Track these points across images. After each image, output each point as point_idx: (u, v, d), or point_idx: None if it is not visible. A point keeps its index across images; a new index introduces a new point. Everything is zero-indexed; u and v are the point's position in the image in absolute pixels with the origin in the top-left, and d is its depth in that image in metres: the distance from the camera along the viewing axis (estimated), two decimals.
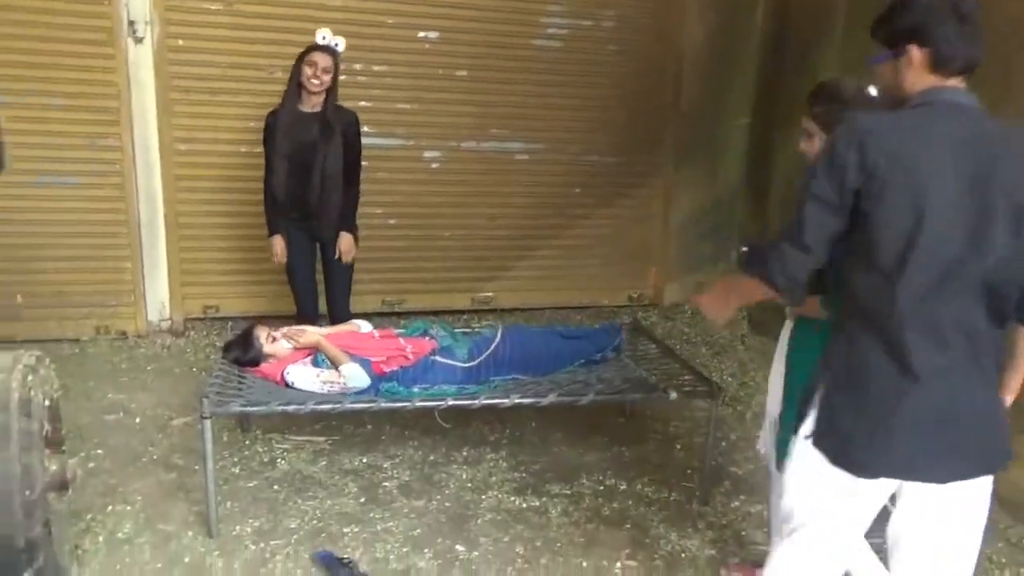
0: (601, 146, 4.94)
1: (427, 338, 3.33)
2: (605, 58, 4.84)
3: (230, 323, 4.48)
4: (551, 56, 4.74)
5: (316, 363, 3.11)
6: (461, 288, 4.95)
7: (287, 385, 3.04)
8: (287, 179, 3.43)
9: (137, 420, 3.57)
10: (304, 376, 3.04)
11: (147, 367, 4.12)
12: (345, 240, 3.64)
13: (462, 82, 4.64)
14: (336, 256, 3.64)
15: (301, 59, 3.29)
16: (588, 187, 5.01)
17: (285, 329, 3.24)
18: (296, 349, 3.18)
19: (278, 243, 3.54)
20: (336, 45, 3.33)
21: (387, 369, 3.12)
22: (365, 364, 3.08)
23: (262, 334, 3.14)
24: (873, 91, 1.85)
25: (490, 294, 4.97)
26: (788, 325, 2.17)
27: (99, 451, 3.30)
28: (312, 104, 3.37)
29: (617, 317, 4.90)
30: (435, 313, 4.89)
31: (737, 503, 3.08)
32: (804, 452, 1.65)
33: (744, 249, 1.50)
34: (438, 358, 3.16)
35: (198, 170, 4.37)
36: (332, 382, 3.00)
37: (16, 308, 4.19)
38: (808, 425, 1.65)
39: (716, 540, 2.84)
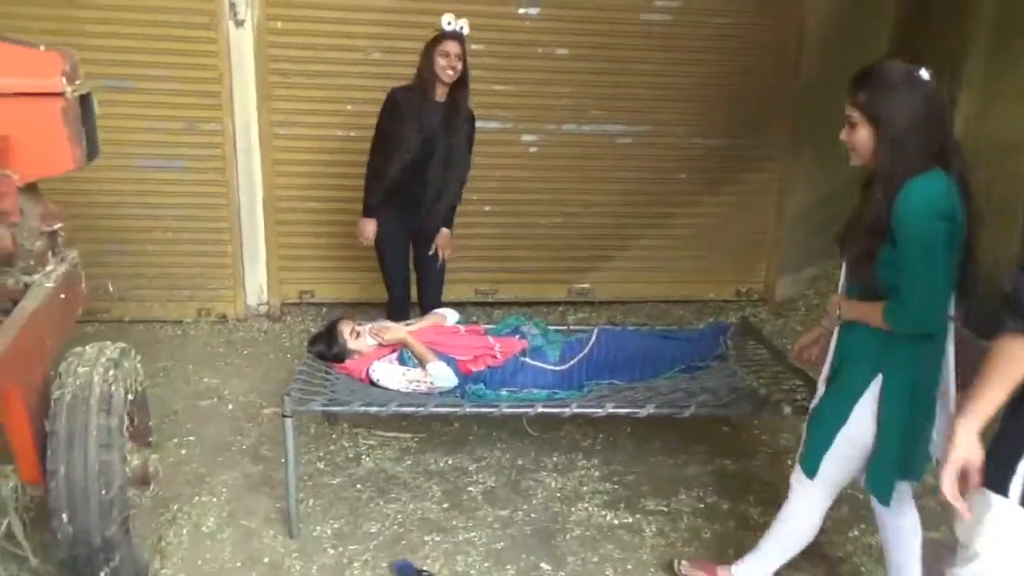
0: (710, 128, 4.64)
1: (517, 337, 3.16)
2: (717, 31, 4.52)
3: (324, 309, 4.54)
4: (659, 31, 4.46)
5: (402, 360, 3.02)
6: (557, 278, 4.78)
7: (372, 383, 2.96)
8: (403, 166, 3.30)
9: (230, 407, 3.60)
10: (389, 374, 2.96)
11: (243, 351, 4.15)
12: (444, 236, 3.55)
13: (562, 61, 4.42)
14: (432, 251, 3.53)
15: (432, 48, 3.17)
16: (695, 172, 4.72)
17: (370, 325, 3.16)
18: (381, 346, 3.07)
19: (370, 226, 3.43)
20: (461, 28, 3.20)
21: (474, 369, 2.99)
22: (451, 363, 2.97)
23: (346, 329, 3.07)
24: (925, 74, 1.76)
25: (587, 285, 4.81)
26: (833, 331, 2.06)
27: (191, 437, 3.34)
28: (440, 94, 3.27)
29: (723, 313, 4.74)
30: (529, 304, 4.75)
31: (856, 532, 2.81)
32: (1015, 518, 1.48)
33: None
34: (528, 360, 3.02)
35: (295, 154, 4.34)
36: (418, 381, 2.90)
37: (120, 290, 4.27)
38: (1019, 487, 1.47)
39: (830, 574, 2.56)
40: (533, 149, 4.54)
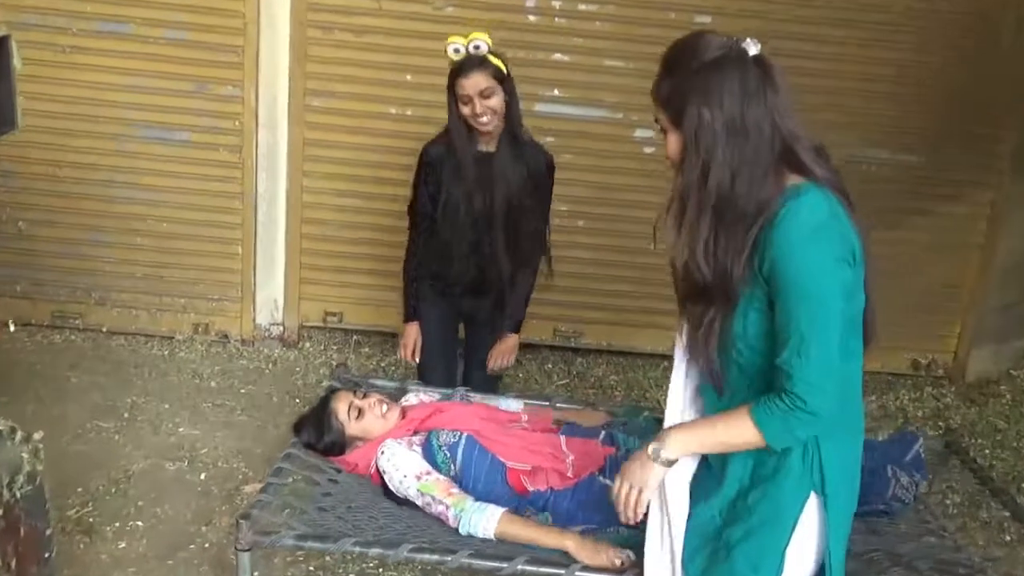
0: (893, 138, 3.96)
1: (600, 439, 2.39)
2: (908, 7, 3.80)
3: (354, 337, 4.12)
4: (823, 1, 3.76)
5: (429, 451, 2.29)
6: (664, 324, 4.01)
7: (384, 486, 2.29)
8: (448, 247, 2.82)
9: (202, 476, 3.09)
10: (402, 465, 2.24)
11: (241, 388, 3.71)
12: (508, 345, 2.97)
13: None
14: (489, 363, 2.97)
15: (451, 92, 2.69)
16: (869, 198, 3.81)
17: (376, 397, 2.44)
18: (402, 423, 2.39)
19: (411, 334, 2.90)
20: (477, 48, 2.62)
21: (531, 487, 2.23)
22: (495, 473, 2.24)
23: (342, 407, 2.38)
24: (753, 48, 1.53)
25: None
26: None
27: (138, 522, 2.81)
28: (486, 141, 2.74)
29: (892, 390, 4.13)
30: (622, 354, 4.19)
31: None
32: None
33: None
34: (610, 481, 2.17)
35: (333, 134, 3.88)
36: (433, 498, 2.17)
37: (100, 291, 3.97)
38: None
39: None
40: (649, 149, 3.95)
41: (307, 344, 4.09)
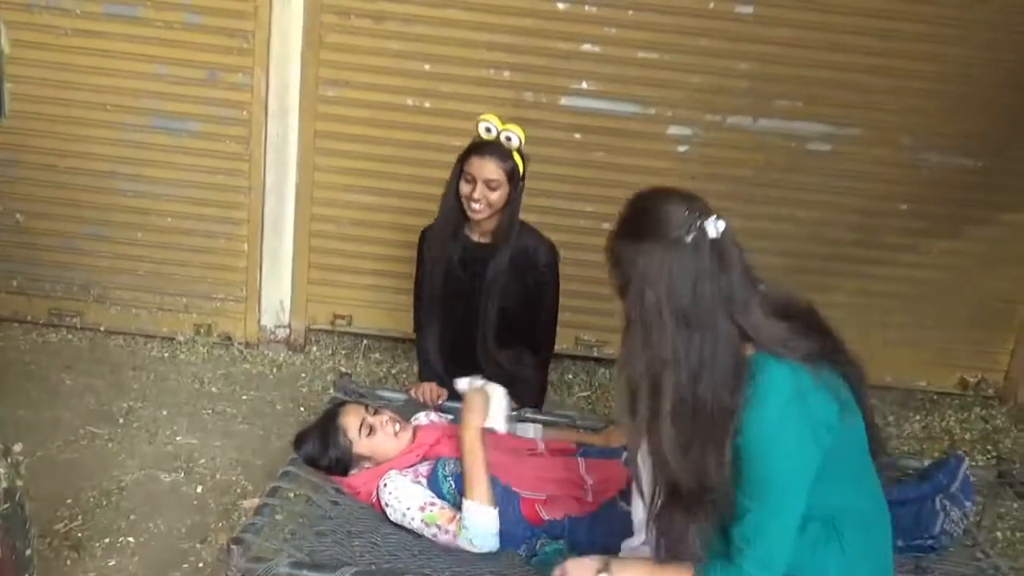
0: (954, 139, 3.81)
1: (624, 461, 2.28)
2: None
3: (363, 342, 4.05)
4: None
5: (434, 481, 2.23)
6: None
7: (384, 508, 2.23)
8: (442, 335, 2.89)
9: (199, 489, 2.99)
10: (404, 497, 2.19)
11: (243, 394, 3.63)
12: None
13: (743, 24, 3.67)
14: None
15: (461, 163, 2.72)
16: (922, 202, 3.91)
17: (387, 415, 2.39)
18: (410, 446, 2.34)
19: (429, 391, 2.82)
20: (509, 140, 2.66)
21: (547, 516, 2.17)
22: (507, 503, 2.15)
23: (352, 423, 2.31)
24: (714, 230, 1.57)
25: None
26: None
27: (129, 538, 2.70)
28: (481, 231, 2.78)
29: (937, 410, 4.04)
30: None
31: None
32: None
33: None
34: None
35: (348, 126, 3.80)
36: (439, 527, 2.13)
37: (99, 288, 3.92)
38: None
39: None
40: (682, 148, 3.86)
41: (314, 348, 4.03)
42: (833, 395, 1.56)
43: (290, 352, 3.98)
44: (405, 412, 2.54)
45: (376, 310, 4.02)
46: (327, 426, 2.33)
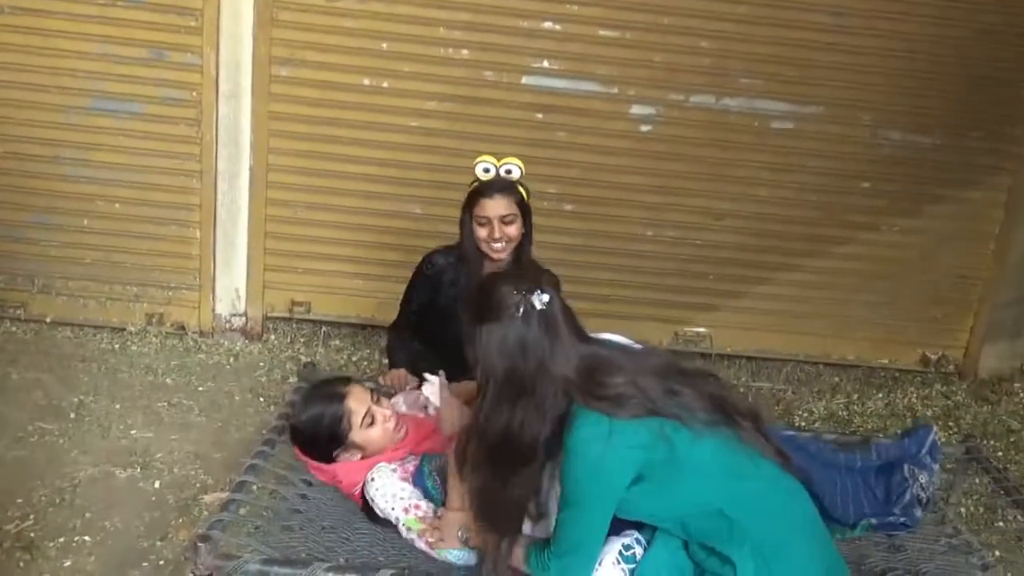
0: (910, 116, 3.93)
1: None
2: None
3: (322, 329, 4.04)
4: None
5: (419, 476, 2.23)
6: (660, 316, 4.13)
7: (366, 507, 2.22)
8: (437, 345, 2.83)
9: (157, 484, 2.98)
10: (388, 494, 2.17)
11: (199, 386, 3.62)
12: None
13: (704, 0, 3.72)
14: None
15: (469, 209, 2.75)
16: (883, 181, 4.02)
17: (400, 396, 2.46)
18: (401, 443, 2.31)
19: (398, 378, 2.79)
20: (509, 172, 2.71)
21: None
22: None
23: (359, 410, 2.23)
24: (539, 303, 1.85)
25: (702, 330, 4.20)
26: None
27: (85, 537, 2.69)
28: (498, 265, 2.81)
29: (898, 387, 4.16)
30: None
31: None
32: None
33: None
34: None
35: (302, 108, 3.80)
36: (418, 535, 2.11)
37: (44, 278, 3.87)
38: None
39: None
40: (645, 128, 3.91)
41: (272, 337, 4.02)
42: (650, 430, 1.77)
43: (247, 341, 3.97)
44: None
45: (335, 296, 4.01)
46: (332, 406, 2.25)
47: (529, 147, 3.76)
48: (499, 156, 2.74)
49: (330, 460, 2.26)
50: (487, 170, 2.70)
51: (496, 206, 2.67)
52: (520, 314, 1.81)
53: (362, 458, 2.27)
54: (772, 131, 3.90)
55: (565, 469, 1.79)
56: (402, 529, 2.13)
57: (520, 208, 2.73)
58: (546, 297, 1.83)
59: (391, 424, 2.27)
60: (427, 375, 2.34)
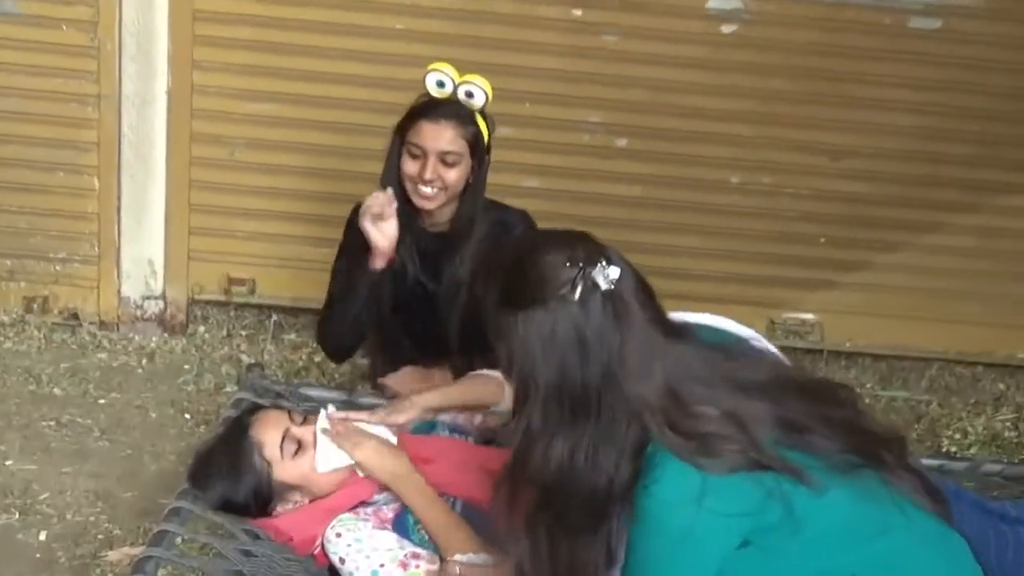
0: None
1: None
2: None
3: (272, 318, 4.19)
4: None
5: (402, 525, 2.36)
6: (751, 297, 4.22)
7: (332, 571, 2.36)
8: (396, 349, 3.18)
9: (42, 536, 3.02)
10: (371, 548, 2.29)
11: (100, 397, 3.72)
12: None
13: None
14: None
15: (403, 132, 2.91)
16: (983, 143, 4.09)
17: (340, 414, 2.50)
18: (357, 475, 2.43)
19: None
20: (470, 96, 2.83)
21: None
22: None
23: (270, 437, 2.37)
24: (604, 281, 1.80)
25: (809, 316, 4.32)
26: None
27: None
28: (434, 221, 3.02)
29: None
30: None
31: None
32: None
33: None
34: None
35: (239, 2, 3.87)
36: None
37: None
38: None
39: None
40: (728, 28, 3.97)
41: (201, 328, 4.14)
42: (757, 485, 1.76)
43: (166, 334, 4.08)
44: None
45: (288, 271, 4.10)
46: (234, 447, 2.38)
47: (564, 57, 3.86)
48: (461, 70, 2.82)
49: (269, 515, 2.39)
50: (441, 84, 2.81)
51: (438, 135, 2.79)
52: (577, 296, 1.77)
53: (311, 502, 2.38)
54: (911, 32, 3.94)
55: (637, 537, 1.78)
56: None
57: (471, 147, 2.84)
58: (614, 272, 1.78)
59: (325, 451, 2.36)
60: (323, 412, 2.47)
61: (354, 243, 3.00)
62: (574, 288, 1.76)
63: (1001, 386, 4.23)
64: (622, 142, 3.99)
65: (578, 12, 3.79)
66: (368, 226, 2.86)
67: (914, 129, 4.02)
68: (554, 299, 1.77)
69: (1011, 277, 4.22)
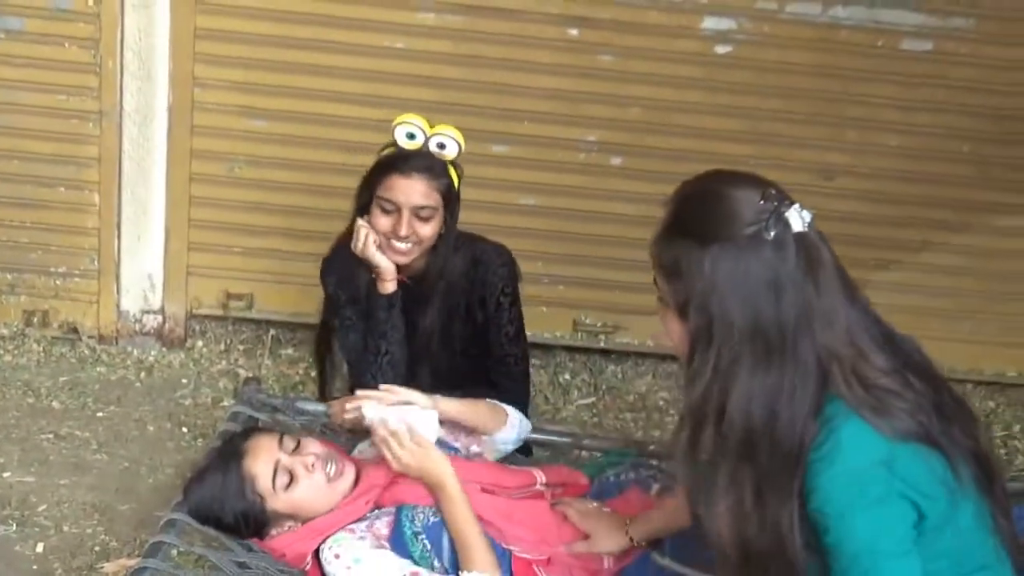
0: None
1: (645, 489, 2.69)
2: None
3: (270, 332, 4.19)
4: None
5: (398, 539, 2.37)
6: None
7: None
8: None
9: (39, 548, 3.02)
10: (373, 569, 2.31)
11: (98, 411, 3.72)
12: None
13: None
14: None
15: (372, 186, 2.87)
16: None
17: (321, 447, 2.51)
18: (355, 492, 2.45)
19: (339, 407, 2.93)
20: (442, 148, 2.80)
21: None
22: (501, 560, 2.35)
23: (263, 471, 2.39)
24: (798, 222, 1.72)
25: None
26: None
27: None
28: (406, 270, 2.96)
29: None
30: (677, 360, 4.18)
31: None
32: None
33: None
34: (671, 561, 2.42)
35: (239, 20, 3.87)
36: None
37: None
38: None
39: None
40: (723, 49, 3.97)
41: (199, 343, 4.14)
42: (936, 472, 1.72)
43: (164, 349, 4.07)
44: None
45: (286, 286, 4.08)
46: (227, 475, 2.40)
47: (561, 77, 3.84)
48: (430, 120, 2.79)
49: (260, 536, 2.42)
50: (411, 136, 2.75)
51: (412, 190, 2.75)
52: (772, 236, 1.69)
53: (304, 524, 2.40)
54: (903, 54, 3.93)
55: (833, 502, 1.69)
56: None
57: (444, 199, 2.81)
58: (808, 215, 1.71)
59: (320, 473, 2.38)
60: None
61: (337, 293, 3.04)
62: (768, 227, 1.68)
63: (991, 403, 4.21)
64: (617, 160, 3.99)
65: (575, 32, 3.79)
66: (373, 252, 2.83)
67: (906, 149, 4.01)
68: (746, 236, 1.69)
69: (1001, 296, 4.21)
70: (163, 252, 4.05)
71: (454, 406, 2.60)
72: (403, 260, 2.83)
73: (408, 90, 3.84)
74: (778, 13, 3.88)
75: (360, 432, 2.73)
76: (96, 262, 4.02)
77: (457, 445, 2.66)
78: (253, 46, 3.85)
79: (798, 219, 1.69)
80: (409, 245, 2.80)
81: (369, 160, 3.89)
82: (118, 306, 4.07)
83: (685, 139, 3.96)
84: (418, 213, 2.77)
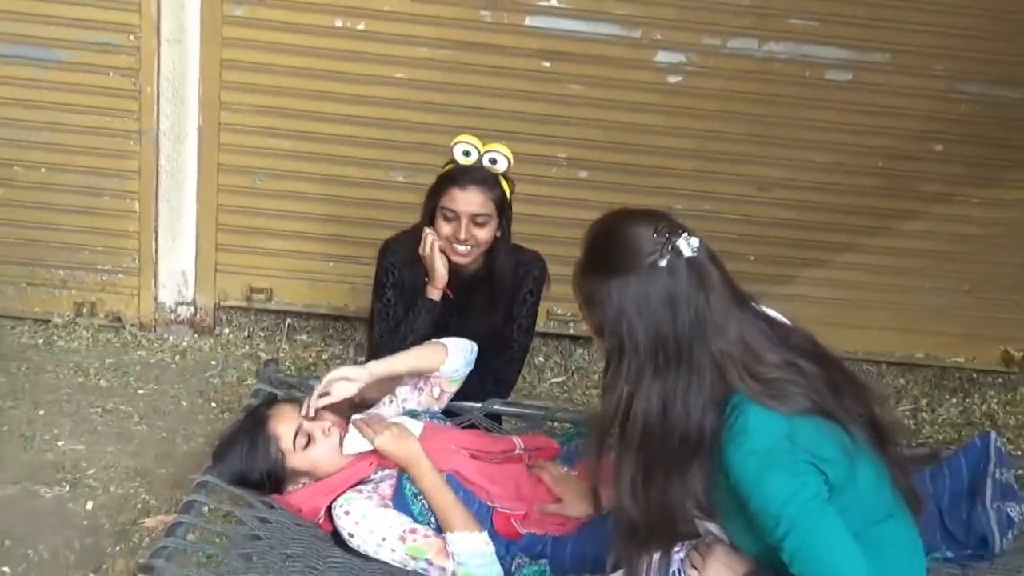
0: (995, 66, 3.95)
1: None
2: None
3: (287, 321, 4.17)
4: None
5: (400, 498, 2.32)
6: None
7: (338, 535, 2.33)
8: None
9: (89, 506, 3.03)
10: (372, 526, 2.28)
11: (139, 388, 3.71)
12: None
13: None
14: None
15: (436, 198, 2.82)
16: (959, 143, 4.04)
17: (335, 418, 2.44)
18: (361, 458, 2.40)
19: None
20: (494, 163, 2.78)
21: (524, 530, 2.33)
22: (481, 515, 2.31)
23: (285, 433, 2.36)
24: (688, 248, 1.79)
25: None
26: None
27: (4, 569, 2.73)
28: (463, 266, 2.91)
29: (975, 391, 4.27)
30: None
31: None
32: None
33: None
34: None
35: (260, 53, 3.82)
36: (429, 562, 2.25)
37: None
38: None
39: None
40: (674, 79, 3.94)
41: (226, 330, 4.11)
42: (833, 439, 1.76)
43: (196, 335, 4.05)
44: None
45: (302, 281, 4.07)
46: (253, 436, 2.38)
47: (535, 102, 3.82)
48: (484, 140, 2.77)
49: (280, 491, 2.38)
50: (467, 154, 2.74)
51: (469, 200, 2.72)
52: (665, 263, 1.75)
53: (317, 481, 2.38)
54: (827, 83, 3.92)
55: (744, 476, 1.73)
56: (406, 560, 2.25)
57: (498, 207, 2.76)
58: (696, 241, 1.76)
59: (334, 438, 2.37)
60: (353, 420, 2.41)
61: (386, 280, 2.96)
62: (663, 256, 1.74)
63: (902, 381, 4.23)
64: (584, 174, 3.97)
65: (547, 64, 3.78)
66: (437, 258, 2.81)
67: (830, 164, 4.01)
68: (645, 266, 1.74)
69: (911, 289, 4.20)
70: (194, 252, 4.04)
71: (385, 364, 2.54)
72: (464, 260, 2.82)
73: (406, 113, 3.83)
74: (721, 48, 3.87)
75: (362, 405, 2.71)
76: (137, 261, 4.01)
77: (420, 410, 2.60)
78: (272, 75, 3.81)
79: (687, 246, 1.74)
80: (468, 248, 2.79)
81: (374, 174, 3.95)
82: (156, 298, 4.05)
83: (641, 156, 3.95)
84: (475, 220, 2.76)
